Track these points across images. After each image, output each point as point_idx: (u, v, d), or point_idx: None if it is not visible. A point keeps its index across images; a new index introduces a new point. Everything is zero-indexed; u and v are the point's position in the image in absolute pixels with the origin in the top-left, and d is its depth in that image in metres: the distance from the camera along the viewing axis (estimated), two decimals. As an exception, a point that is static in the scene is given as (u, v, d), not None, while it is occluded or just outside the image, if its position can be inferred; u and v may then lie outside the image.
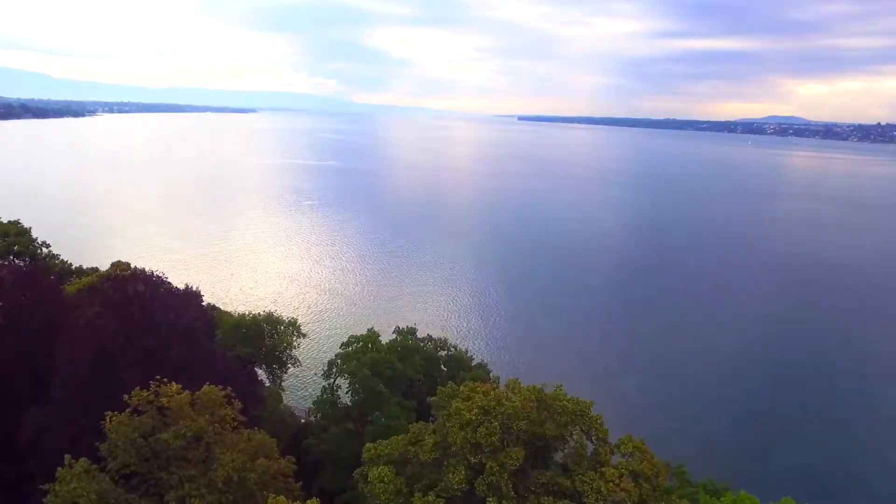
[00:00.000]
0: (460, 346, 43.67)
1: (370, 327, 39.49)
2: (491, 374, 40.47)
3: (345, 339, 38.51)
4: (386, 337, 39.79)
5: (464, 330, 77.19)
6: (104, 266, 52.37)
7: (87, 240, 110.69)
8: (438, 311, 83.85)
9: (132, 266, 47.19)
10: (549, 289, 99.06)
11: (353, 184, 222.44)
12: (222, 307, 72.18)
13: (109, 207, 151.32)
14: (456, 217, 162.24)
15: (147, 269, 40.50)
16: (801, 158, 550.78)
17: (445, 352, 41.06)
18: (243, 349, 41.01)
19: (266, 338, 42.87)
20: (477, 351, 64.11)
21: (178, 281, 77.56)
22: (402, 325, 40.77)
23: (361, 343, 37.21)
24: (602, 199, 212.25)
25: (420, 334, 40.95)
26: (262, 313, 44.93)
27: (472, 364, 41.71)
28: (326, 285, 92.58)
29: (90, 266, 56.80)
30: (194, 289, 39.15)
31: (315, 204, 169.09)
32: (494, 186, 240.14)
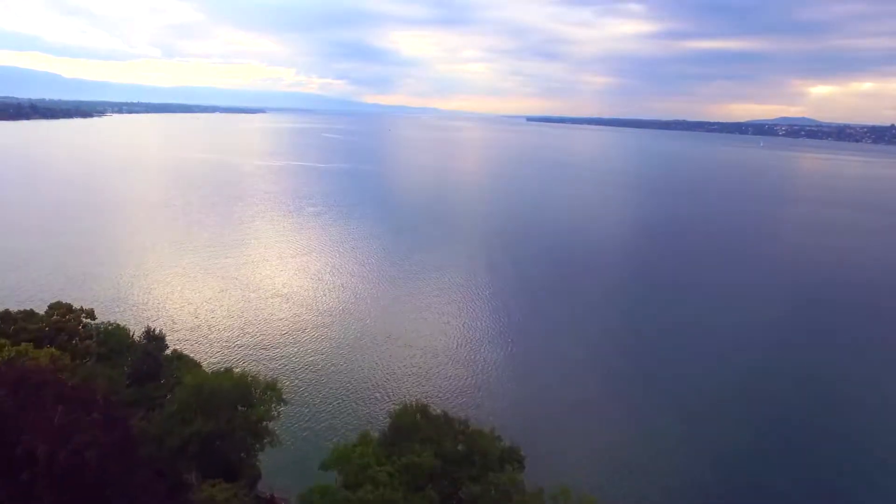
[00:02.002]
0: (482, 408, 35.28)
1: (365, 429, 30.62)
2: (524, 456, 31.78)
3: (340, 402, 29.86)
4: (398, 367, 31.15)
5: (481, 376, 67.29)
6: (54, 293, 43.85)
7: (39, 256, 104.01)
8: (457, 355, 71.33)
9: (73, 307, 39.06)
10: (566, 303, 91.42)
11: (359, 187, 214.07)
12: (196, 340, 65.74)
13: (85, 211, 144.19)
14: (477, 228, 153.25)
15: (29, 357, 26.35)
16: (817, 161, 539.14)
17: (463, 435, 31.99)
18: (205, 423, 32.49)
19: (237, 408, 34.33)
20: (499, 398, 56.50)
21: (161, 300, 69.87)
22: (409, 391, 32.30)
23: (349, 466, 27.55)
24: (621, 205, 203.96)
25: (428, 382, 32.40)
26: (236, 370, 36.54)
27: (500, 445, 32.51)
28: (324, 306, 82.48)
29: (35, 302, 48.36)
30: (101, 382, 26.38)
31: (318, 210, 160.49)
32: (509, 191, 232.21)
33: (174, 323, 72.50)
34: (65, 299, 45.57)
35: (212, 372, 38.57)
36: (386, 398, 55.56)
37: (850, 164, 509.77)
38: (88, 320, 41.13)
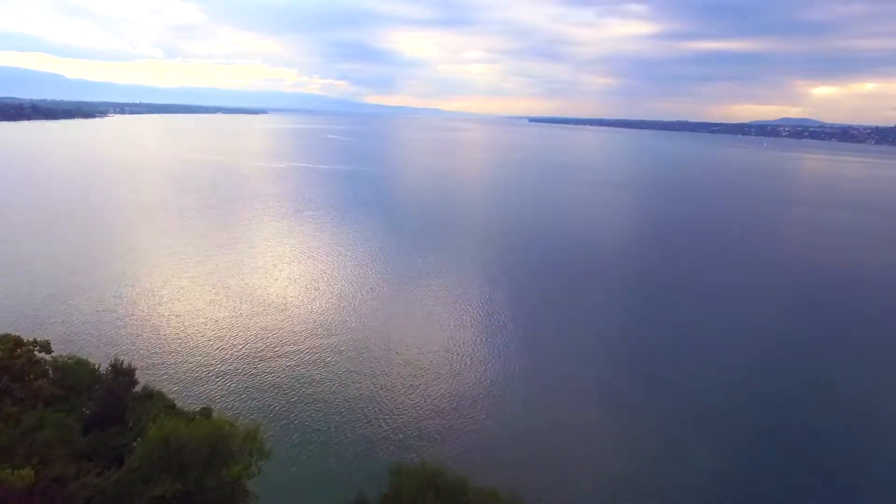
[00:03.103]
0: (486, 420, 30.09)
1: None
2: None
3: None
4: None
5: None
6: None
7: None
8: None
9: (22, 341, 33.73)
10: (571, 306, 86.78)
11: (359, 191, 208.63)
12: (173, 369, 59.32)
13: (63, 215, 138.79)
14: (480, 232, 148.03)
15: None
16: (822, 162, 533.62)
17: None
18: (171, 484, 27.48)
19: (210, 464, 29.23)
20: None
21: (137, 322, 64.22)
22: (411, 427, 27.11)
23: None
24: (626, 206, 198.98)
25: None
26: (215, 409, 31.36)
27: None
28: (321, 322, 76.35)
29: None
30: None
31: (318, 214, 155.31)
32: (511, 193, 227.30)
33: (149, 349, 65.43)
34: (18, 328, 40.45)
35: (184, 416, 33.32)
36: (387, 440, 50.16)
37: (857, 165, 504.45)
38: (42, 354, 35.60)
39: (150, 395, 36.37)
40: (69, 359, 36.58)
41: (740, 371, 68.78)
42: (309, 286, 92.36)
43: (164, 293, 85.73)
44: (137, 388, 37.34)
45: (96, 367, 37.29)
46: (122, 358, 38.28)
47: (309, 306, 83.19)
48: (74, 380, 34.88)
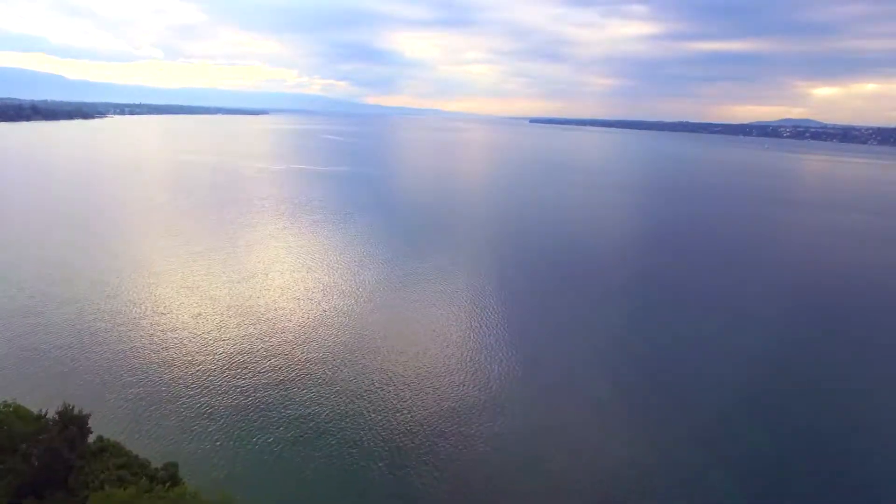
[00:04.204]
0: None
1: None
2: None
3: None
4: None
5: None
6: None
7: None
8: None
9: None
10: (573, 308, 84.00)
11: (358, 193, 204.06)
12: (138, 411, 51.31)
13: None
14: (481, 235, 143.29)
15: None
16: (825, 163, 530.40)
17: None
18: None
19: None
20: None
21: (101, 349, 58.46)
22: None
23: None
24: (628, 208, 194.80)
25: None
26: (176, 480, 26.57)
27: None
28: (314, 340, 71.71)
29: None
30: None
31: (315, 219, 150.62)
32: (511, 194, 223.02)
33: (111, 387, 54.81)
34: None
35: (142, 479, 28.70)
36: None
37: (861, 166, 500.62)
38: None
39: (104, 449, 31.76)
40: (6, 406, 31.84)
41: (741, 371, 68.31)
42: (305, 297, 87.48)
43: (136, 314, 76.49)
44: (91, 439, 32.74)
45: (42, 413, 32.62)
46: (73, 402, 33.63)
47: (303, 314, 78.64)
48: (9, 434, 30.20)
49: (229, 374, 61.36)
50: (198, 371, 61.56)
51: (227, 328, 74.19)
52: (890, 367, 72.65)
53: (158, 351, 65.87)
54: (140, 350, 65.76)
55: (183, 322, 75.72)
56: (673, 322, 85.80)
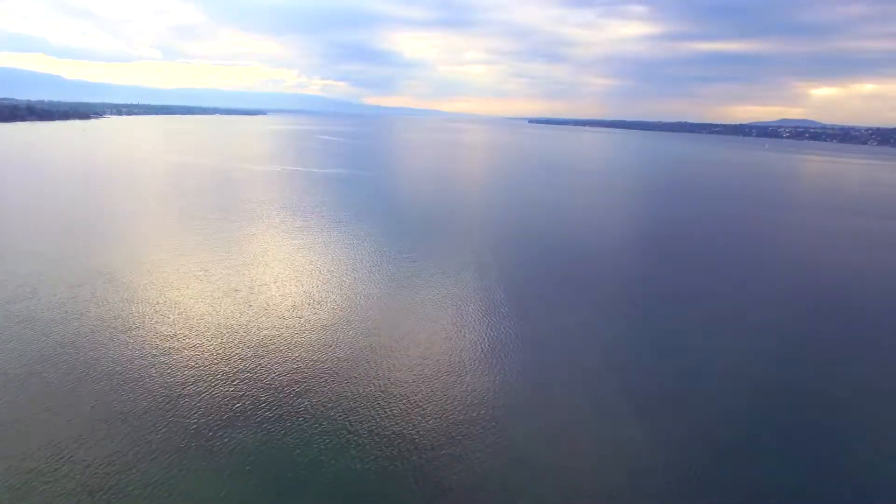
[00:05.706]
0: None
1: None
2: None
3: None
4: None
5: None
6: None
7: None
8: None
9: None
10: (574, 310, 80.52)
11: (357, 196, 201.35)
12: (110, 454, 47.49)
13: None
14: (483, 237, 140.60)
15: None
16: (826, 164, 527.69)
17: None
18: None
19: None
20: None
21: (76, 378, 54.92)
22: None
23: None
24: (630, 209, 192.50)
25: None
26: None
27: None
28: (309, 361, 69.12)
29: None
30: None
31: (310, 225, 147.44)
32: (512, 196, 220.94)
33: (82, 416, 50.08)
34: None
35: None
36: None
37: (862, 167, 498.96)
38: None
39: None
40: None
41: (742, 371, 68.18)
42: (301, 307, 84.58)
43: (122, 324, 74.46)
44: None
45: None
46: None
47: (298, 328, 75.15)
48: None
49: (218, 377, 58.70)
50: (193, 374, 58.77)
51: (219, 332, 71.67)
52: (890, 367, 72.37)
53: (136, 361, 63.00)
54: (118, 359, 62.94)
55: (175, 326, 73.23)
56: (674, 323, 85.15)
